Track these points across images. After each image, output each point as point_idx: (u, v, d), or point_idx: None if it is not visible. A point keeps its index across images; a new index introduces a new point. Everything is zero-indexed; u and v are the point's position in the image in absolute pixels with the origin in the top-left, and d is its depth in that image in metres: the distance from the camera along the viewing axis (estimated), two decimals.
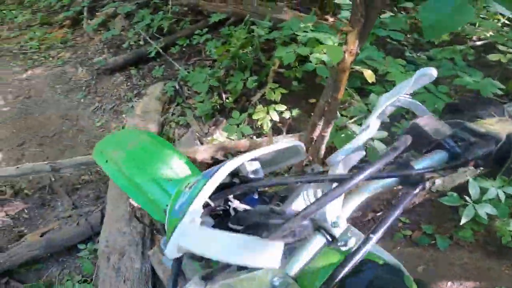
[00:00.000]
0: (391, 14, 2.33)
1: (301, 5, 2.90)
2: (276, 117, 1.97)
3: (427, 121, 0.49)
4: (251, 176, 0.48)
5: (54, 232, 1.57)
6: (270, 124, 1.94)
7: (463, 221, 1.33)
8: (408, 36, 2.71)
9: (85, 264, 1.43)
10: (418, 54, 2.56)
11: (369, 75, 1.61)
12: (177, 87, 2.38)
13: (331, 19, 2.59)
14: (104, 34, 2.90)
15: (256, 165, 0.49)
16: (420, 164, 0.43)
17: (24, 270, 1.46)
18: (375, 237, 0.37)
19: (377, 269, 0.40)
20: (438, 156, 0.45)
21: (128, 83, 2.57)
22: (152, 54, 2.59)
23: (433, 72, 0.50)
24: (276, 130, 2.00)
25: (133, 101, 2.41)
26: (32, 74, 2.77)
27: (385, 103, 0.49)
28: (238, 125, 1.94)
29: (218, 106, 2.17)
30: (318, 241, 0.39)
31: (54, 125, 2.27)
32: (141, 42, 2.76)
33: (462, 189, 1.45)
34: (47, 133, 2.19)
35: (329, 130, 1.42)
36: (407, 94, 0.53)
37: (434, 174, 0.44)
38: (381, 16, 2.22)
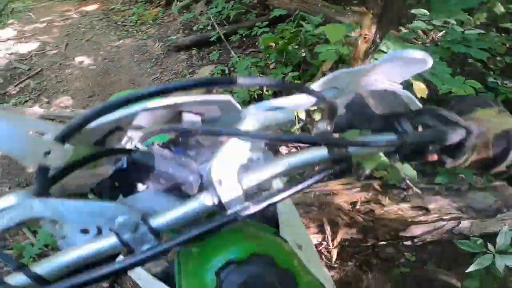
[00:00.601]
0: (481, 31, 1.94)
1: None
2: (303, 117, 1.91)
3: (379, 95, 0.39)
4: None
5: None
6: (297, 125, 1.89)
7: (470, 268, 1.13)
8: (498, 59, 2.23)
9: None
10: (505, 82, 2.09)
11: (420, 89, 1.33)
12: (227, 71, 2.53)
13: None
14: (183, 16, 3.25)
15: (196, 118, 0.43)
16: (352, 139, 0.35)
17: None
18: (253, 207, 0.31)
19: (267, 269, 0.36)
20: (381, 138, 0.36)
21: (188, 62, 2.84)
22: (213, 39, 2.79)
23: (416, 55, 0.40)
24: (304, 131, 1.95)
25: (186, 77, 2.67)
26: (122, 44, 3.33)
27: (337, 76, 0.41)
28: None
29: (255, 96, 2.22)
30: (201, 199, 0.33)
31: (121, 86, 2.71)
32: (209, 27, 3.00)
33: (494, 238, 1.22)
34: (113, 91, 2.63)
35: None
36: (397, 82, 0.47)
37: (371, 154, 0.38)
38: (465, 32, 1.89)
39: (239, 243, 0.39)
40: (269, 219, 0.46)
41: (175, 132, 0.42)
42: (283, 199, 0.32)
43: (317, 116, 1.49)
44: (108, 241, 0.30)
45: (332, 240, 1.31)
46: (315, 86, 0.41)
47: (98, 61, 3.09)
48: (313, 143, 0.35)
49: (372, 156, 1.31)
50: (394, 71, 0.45)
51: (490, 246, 1.20)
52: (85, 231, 0.31)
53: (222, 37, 2.78)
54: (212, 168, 0.32)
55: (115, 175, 0.38)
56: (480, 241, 1.25)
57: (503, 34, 2.25)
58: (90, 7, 4.59)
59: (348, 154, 0.34)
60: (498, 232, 1.35)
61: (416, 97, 1.40)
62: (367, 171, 1.31)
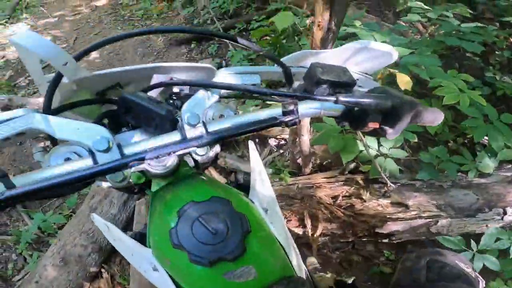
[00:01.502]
0: (479, 24, 1.88)
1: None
2: None
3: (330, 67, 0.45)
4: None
5: None
6: None
7: None
8: (498, 53, 2.17)
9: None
10: (504, 77, 2.04)
11: (403, 81, 1.23)
12: (224, 64, 2.56)
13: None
14: (186, 10, 3.27)
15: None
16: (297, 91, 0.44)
17: None
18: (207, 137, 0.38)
19: (223, 208, 0.40)
20: (325, 98, 0.42)
21: (188, 55, 2.88)
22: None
23: (380, 47, 0.47)
24: None
25: None
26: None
27: (304, 55, 0.49)
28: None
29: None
30: (171, 136, 0.38)
31: None
32: (209, 21, 3.02)
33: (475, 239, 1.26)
34: None
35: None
36: (362, 72, 0.52)
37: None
38: (461, 24, 1.84)
39: (201, 187, 0.45)
40: (244, 188, 0.52)
41: (166, 86, 0.49)
42: (232, 135, 0.39)
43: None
44: (83, 163, 0.34)
45: (312, 235, 1.35)
46: (284, 59, 0.49)
47: (103, 54, 3.18)
48: (266, 95, 0.43)
49: (350, 148, 1.32)
50: (358, 60, 0.51)
51: (473, 243, 1.22)
52: (67, 160, 0.36)
53: (221, 31, 2.81)
54: (182, 110, 0.39)
55: (106, 113, 0.47)
56: (460, 238, 1.27)
57: (506, 29, 2.17)
58: (100, 2, 4.65)
59: (296, 108, 0.40)
60: (477, 233, 1.36)
61: (400, 89, 1.37)
62: (344, 162, 1.33)
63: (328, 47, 1.00)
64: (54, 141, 0.40)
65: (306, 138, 1.39)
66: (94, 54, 3.26)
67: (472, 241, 1.24)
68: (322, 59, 0.50)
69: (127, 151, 0.36)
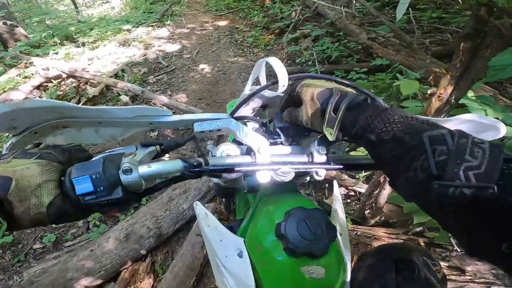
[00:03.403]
0: None
1: None
2: None
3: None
4: None
5: None
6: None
7: None
8: None
9: None
10: None
11: None
12: None
13: None
14: (291, 47, 3.52)
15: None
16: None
17: None
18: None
19: (323, 217, 0.48)
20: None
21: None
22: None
23: (488, 121, 0.51)
24: None
25: None
26: (235, 61, 3.85)
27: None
28: None
29: None
30: (301, 157, 0.51)
31: (224, 96, 3.17)
32: (310, 63, 3.18)
33: None
34: (216, 99, 3.10)
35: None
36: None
37: None
38: None
39: (307, 200, 0.55)
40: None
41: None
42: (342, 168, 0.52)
43: None
44: (244, 159, 0.49)
45: None
46: None
47: (214, 71, 3.68)
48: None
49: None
50: (467, 131, 0.54)
51: None
52: (228, 155, 0.52)
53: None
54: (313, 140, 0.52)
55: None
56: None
57: None
58: (222, 23, 5.40)
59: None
60: None
61: None
62: (415, 222, 1.32)
63: (441, 117, 1.03)
64: (219, 140, 0.59)
65: (386, 192, 1.42)
66: (207, 69, 3.82)
67: None
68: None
69: (274, 159, 0.49)
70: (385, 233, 1.49)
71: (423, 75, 2.05)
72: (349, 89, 0.42)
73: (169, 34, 5.10)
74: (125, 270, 1.60)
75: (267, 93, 0.56)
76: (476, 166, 0.26)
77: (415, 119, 0.36)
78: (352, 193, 1.95)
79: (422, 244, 1.41)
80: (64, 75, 3.61)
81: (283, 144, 0.58)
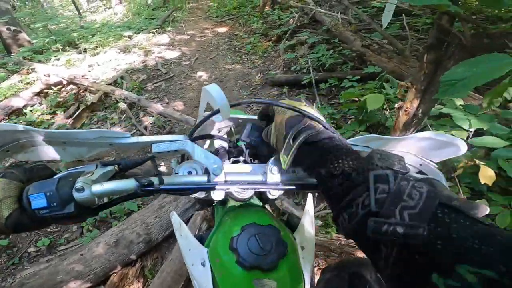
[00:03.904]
0: None
1: None
2: None
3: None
4: None
5: None
6: None
7: None
8: None
9: None
10: None
11: (486, 175, 1.11)
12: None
13: None
14: (287, 54, 3.58)
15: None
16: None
17: None
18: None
19: (274, 233, 0.51)
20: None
21: (277, 98, 3.14)
22: (305, 82, 3.01)
23: (448, 139, 0.54)
24: None
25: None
26: (233, 68, 3.92)
27: (370, 139, 0.59)
28: None
29: None
30: (257, 177, 0.53)
31: None
32: (305, 70, 3.23)
33: None
34: (211, 108, 3.17)
35: None
36: (429, 160, 0.60)
37: None
38: None
39: (264, 216, 0.58)
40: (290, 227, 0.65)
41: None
42: (299, 188, 0.53)
43: None
44: (201, 178, 0.51)
45: None
46: (352, 141, 0.60)
47: (211, 78, 3.75)
48: None
49: None
50: (425, 148, 0.58)
51: None
52: (189, 173, 0.55)
53: (313, 82, 2.95)
54: (269, 160, 0.53)
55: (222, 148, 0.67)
56: None
57: None
58: (222, 29, 5.48)
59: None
60: None
61: (478, 182, 1.24)
62: None
63: (409, 131, 1.04)
64: (183, 158, 0.61)
65: None
66: (204, 76, 3.89)
67: None
68: (388, 143, 0.59)
69: (228, 178, 0.52)
70: None
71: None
72: (318, 123, 0.43)
73: (169, 41, 5.19)
74: (115, 274, 1.64)
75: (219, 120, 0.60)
76: (411, 207, 0.28)
77: (368, 157, 0.39)
78: None
79: None
80: (64, 82, 3.70)
81: (245, 162, 0.62)
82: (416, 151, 0.60)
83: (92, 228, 1.99)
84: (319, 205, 2.01)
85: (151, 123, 3.01)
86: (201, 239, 0.60)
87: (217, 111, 0.51)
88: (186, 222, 1.85)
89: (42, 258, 1.86)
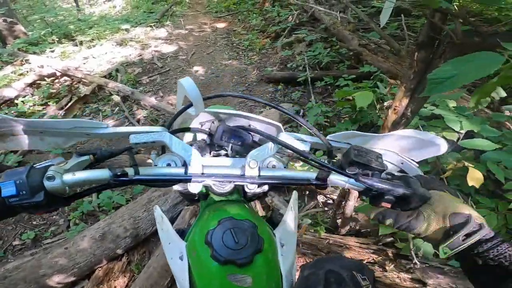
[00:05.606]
0: None
1: None
2: None
3: None
4: None
5: None
6: None
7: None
8: None
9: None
10: None
11: (474, 177, 1.11)
12: (301, 113, 2.70)
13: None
14: (284, 52, 3.56)
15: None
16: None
17: None
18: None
19: (250, 227, 0.51)
20: (349, 177, 0.52)
21: (272, 95, 3.12)
22: (300, 80, 3.00)
23: (430, 138, 0.54)
24: None
25: (266, 109, 2.97)
26: (229, 64, 3.89)
27: (350, 135, 0.59)
28: None
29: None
30: (235, 170, 0.53)
31: (215, 99, 3.22)
32: (301, 68, 3.22)
33: None
34: (207, 102, 3.15)
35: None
36: (410, 158, 0.59)
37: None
38: None
39: (242, 210, 0.58)
40: (272, 223, 0.65)
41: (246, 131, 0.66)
42: (276, 183, 0.53)
43: None
44: (178, 170, 0.50)
45: None
46: (332, 136, 0.59)
47: (207, 73, 3.73)
48: (310, 160, 0.52)
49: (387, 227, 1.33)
50: (406, 147, 0.58)
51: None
52: (168, 165, 0.53)
53: (309, 80, 2.95)
54: (249, 154, 0.54)
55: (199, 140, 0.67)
56: None
57: None
58: (220, 24, 5.45)
59: (327, 177, 0.51)
60: None
61: (467, 185, 1.26)
62: (380, 233, 1.36)
63: (394, 130, 1.02)
64: (163, 150, 0.60)
65: (351, 203, 1.45)
66: (200, 71, 3.87)
67: None
68: (370, 140, 0.58)
69: (206, 171, 0.52)
70: (356, 242, 1.51)
71: None
72: (482, 218, 0.45)
73: (167, 35, 5.16)
74: (100, 269, 1.63)
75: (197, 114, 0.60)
76: None
77: (345, 154, 0.40)
78: (330, 201, 1.97)
79: (390, 254, 1.42)
80: (58, 73, 3.67)
81: (227, 156, 0.61)
82: (398, 149, 0.59)
83: (79, 222, 1.97)
84: (309, 203, 2.00)
85: (144, 117, 2.99)
86: (182, 233, 0.60)
87: (191, 105, 0.51)
88: (176, 217, 1.83)
89: (26, 252, 1.84)
